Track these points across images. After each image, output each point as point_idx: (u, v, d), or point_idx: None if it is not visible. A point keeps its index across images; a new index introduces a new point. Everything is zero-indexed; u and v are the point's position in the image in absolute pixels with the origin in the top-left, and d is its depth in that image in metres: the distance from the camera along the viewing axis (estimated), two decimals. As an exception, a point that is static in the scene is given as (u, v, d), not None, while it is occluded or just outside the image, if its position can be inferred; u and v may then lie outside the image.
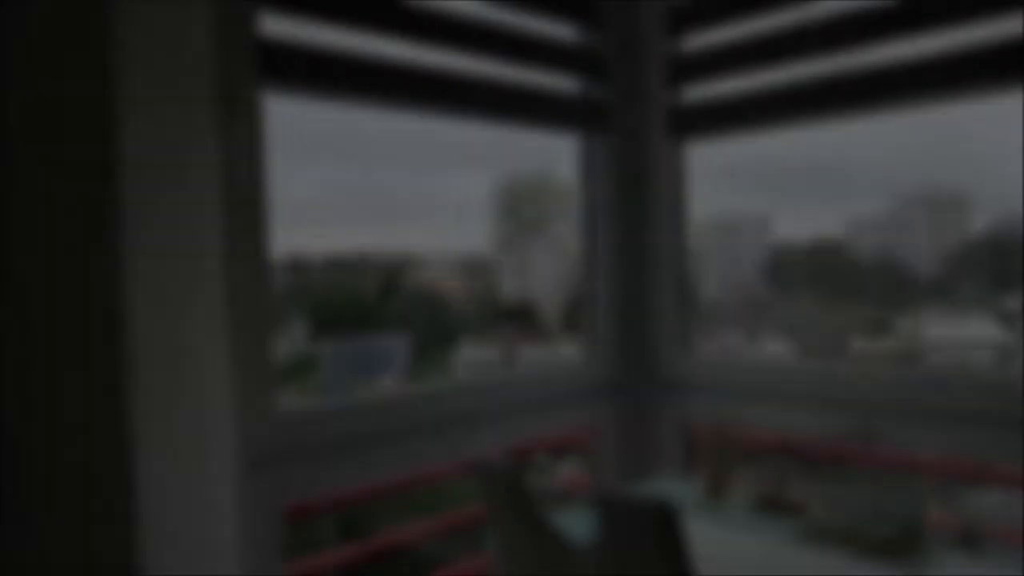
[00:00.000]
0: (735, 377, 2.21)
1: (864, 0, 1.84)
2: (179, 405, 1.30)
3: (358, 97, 1.73)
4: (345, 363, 3.25)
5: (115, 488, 1.21)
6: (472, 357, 3.54)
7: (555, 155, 2.52)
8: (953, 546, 1.49)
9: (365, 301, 3.45)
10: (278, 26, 1.60)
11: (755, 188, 3.30)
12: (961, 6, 1.69)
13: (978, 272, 2.83)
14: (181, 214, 1.32)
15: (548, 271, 3.63)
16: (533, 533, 1.29)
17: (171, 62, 1.29)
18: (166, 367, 1.28)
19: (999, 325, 2.91)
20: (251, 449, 1.56)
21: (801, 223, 3.23)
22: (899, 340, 3.04)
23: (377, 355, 3.36)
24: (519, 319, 3.69)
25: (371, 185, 3.37)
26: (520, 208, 3.72)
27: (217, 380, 1.40)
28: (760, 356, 2.46)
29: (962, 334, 2.95)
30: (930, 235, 3.01)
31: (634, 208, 2.36)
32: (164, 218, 1.29)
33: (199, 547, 1.33)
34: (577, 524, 1.36)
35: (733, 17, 2.08)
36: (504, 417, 2.07)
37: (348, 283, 3.41)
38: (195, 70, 1.34)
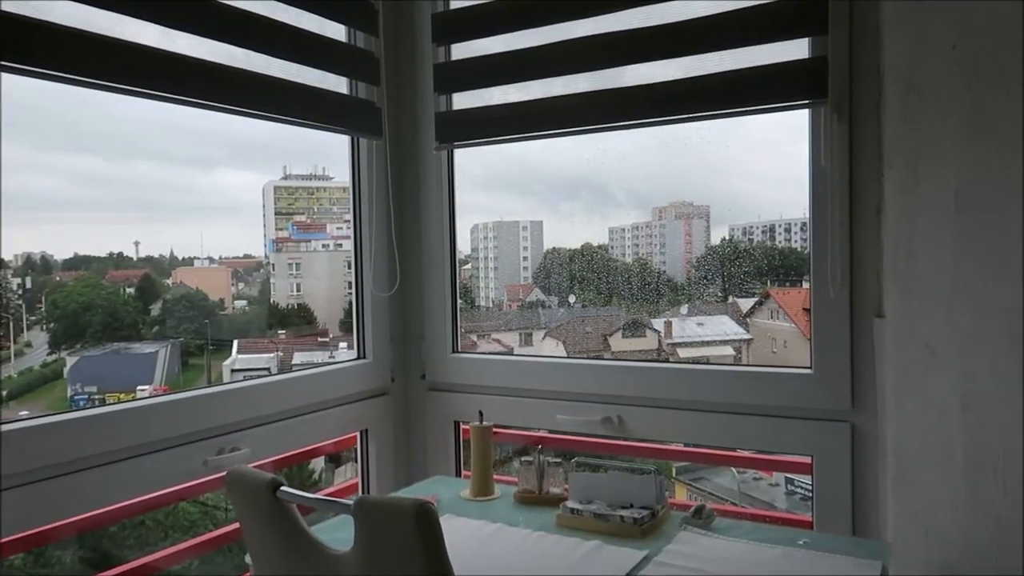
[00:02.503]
0: (504, 377, 2.28)
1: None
2: None
3: (106, 80, 1.57)
4: (94, 374, 2.96)
5: None
6: (244, 362, 3.37)
7: (332, 155, 2.48)
8: (688, 523, 1.64)
9: (120, 305, 3.16)
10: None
11: (526, 195, 3.45)
12: (714, 36, 1.88)
13: (718, 276, 3.15)
14: None
15: (324, 273, 3.55)
16: (290, 543, 1.25)
17: None
18: None
19: (737, 323, 3.28)
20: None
21: (569, 229, 3.44)
22: (653, 339, 3.32)
23: (133, 364, 3.10)
24: (294, 322, 3.57)
25: (129, 177, 3.10)
26: (295, 208, 3.61)
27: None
28: (531, 356, 2.57)
29: (706, 332, 3.28)
30: (680, 243, 3.31)
31: (406, 211, 2.37)
32: None
33: None
34: (342, 530, 1.34)
35: (501, 28, 2.15)
36: (274, 424, 1.99)
37: (99, 286, 3.10)
38: None
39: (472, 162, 2.49)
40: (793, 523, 2.11)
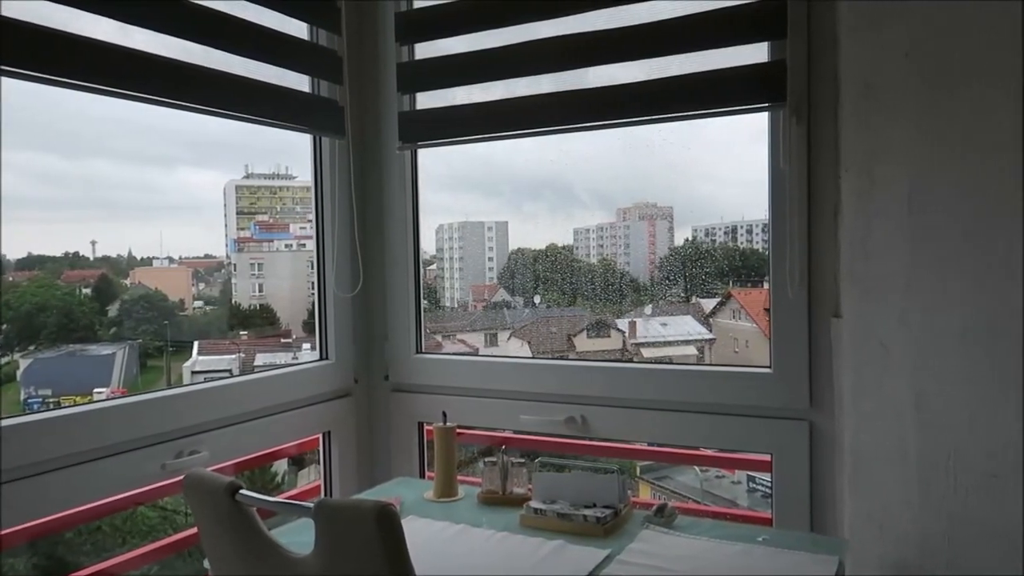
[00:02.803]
0: (468, 377, 2.28)
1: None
2: None
3: (64, 77, 1.54)
4: (48, 376, 2.89)
5: None
6: (205, 364, 3.32)
7: (295, 154, 2.45)
8: (650, 521, 1.66)
9: (75, 306, 3.09)
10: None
11: (491, 196, 3.46)
12: (677, 39, 1.89)
13: (680, 276, 3.19)
14: None
15: (288, 273, 3.51)
16: (250, 547, 1.23)
17: None
18: None
19: (700, 323, 3.31)
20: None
21: (534, 230, 3.45)
22: (618, 339, 3.35)
23: (89, 366, 3.04)
24: (257, 323, 3.53)
25: (85, 175, 3.04)
26: (258, 207, 3.57)
27: None
28: (495, 356, 2.57)
29: (670, 332, 3.31)
30: (644, 245, 3.34)
31: (369, 210, 2.36)
32: None
33: None
34: (303, 533, 1.33)
35: (464, 28, 2.15)
36: (235, 427, 1.97)
37: (54, 286, 3.03)
38: None
39: (436, 162, 2.48)
40: (753, 520, 2.15)
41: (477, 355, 2.92)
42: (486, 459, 1.88)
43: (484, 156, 2.94)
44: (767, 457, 1.96)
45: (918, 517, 1.58)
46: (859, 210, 1.64)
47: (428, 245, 2.75)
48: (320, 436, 2.30)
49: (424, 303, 2.42)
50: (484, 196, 3.47)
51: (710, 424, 1.98)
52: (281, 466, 3.27)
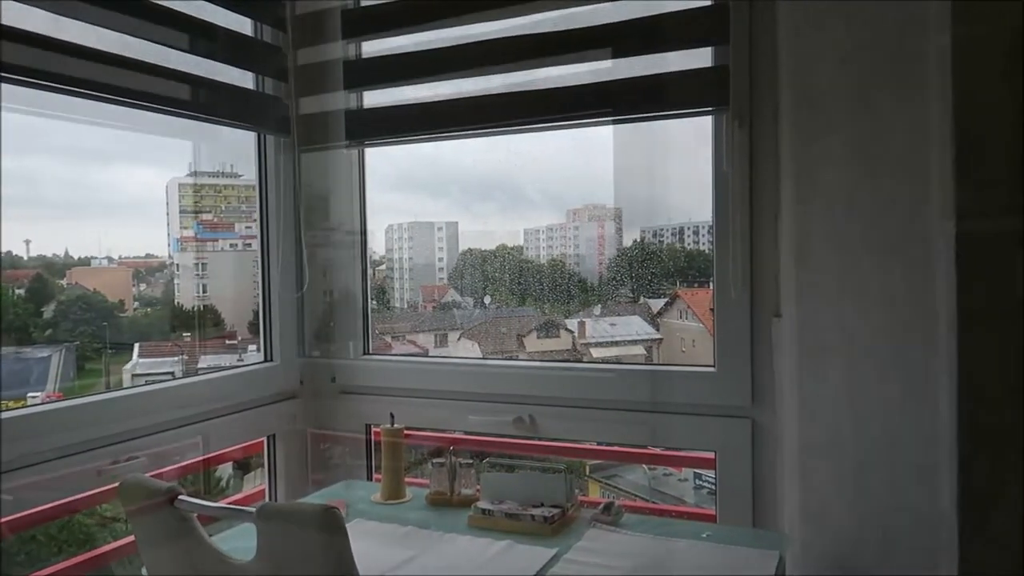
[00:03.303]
0: (416, 379, 2.27)
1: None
2: None
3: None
4: (-23, 380, 2.78)
5: None
6: (145, 366, 3.23)
7: (240, 152, 2.40)
8: (596, 520, 1.67)
9: (9, 307, 2.98)
10: None
11: (439, 196, 3.44)
12: (624, 42, 1.91)
13: (627, 277, 3.21)
14: None
15: (232, 274, 3.44)
16: (190, 554, 1.20)
17: None
18: None
19: (648, 323, 3.35)
20: None
21: (484, 230, 3.44)
22: (568, 339, 3.36)
23: (21, 370, 2.93)
24: (201, 325, 3.45)
25: (17, 171, 2.92)
26: (201, 206, 3.48)
27: None
28: (443, 357, 2.57)
29: (618, 332, 3.34)
30: (594, 245, 3.36)
31: (315, 210, 2.33)
32: None
33: None
34: (246, 538, 1.31)
35: (412, 25, 2.14)
36: (175, 431, 1.92)
37: (-18, 287, 2.91)
38: None
39: (382, 162, 2.46)
40: (698, 517, 2.18)
41: (427, 356, 2.91)
42: (434, 460, 1.87)
43: (431, 156, 2.92)
44: (712, 454, 1.99)
45: (854, 509, 1.62)
46: (798, 213, 1.67)
47: (378, 246, 2.72)
48: (265, 439, 2.26)
49: (373, 304, 2.40)
50: (431, 196, 3.45)
51: (656, 423, 2.00)
52: (226, 470, 3.21)
